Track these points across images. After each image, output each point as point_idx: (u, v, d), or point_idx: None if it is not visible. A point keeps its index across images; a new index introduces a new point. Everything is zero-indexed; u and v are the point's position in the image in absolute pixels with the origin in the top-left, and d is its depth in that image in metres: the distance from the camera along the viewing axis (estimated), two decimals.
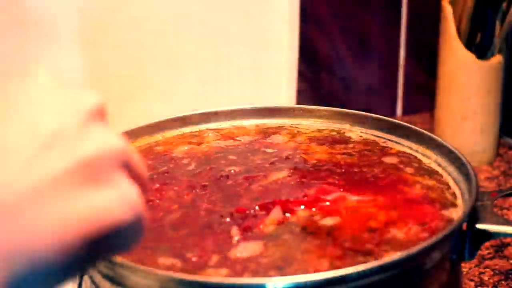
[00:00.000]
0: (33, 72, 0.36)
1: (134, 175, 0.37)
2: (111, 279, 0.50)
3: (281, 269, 0.49)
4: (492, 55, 0.96)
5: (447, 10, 0.96)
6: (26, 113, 0.34)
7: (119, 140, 0.36)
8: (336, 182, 0.61)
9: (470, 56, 0.96)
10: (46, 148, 0.33)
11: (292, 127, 0.74)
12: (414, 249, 0.48)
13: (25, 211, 0.31)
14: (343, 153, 0.68)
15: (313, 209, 0.57)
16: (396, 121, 0.69)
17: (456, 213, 0.56)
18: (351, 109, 0.72)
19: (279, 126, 0.74)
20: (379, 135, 0.70)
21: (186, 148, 0.70)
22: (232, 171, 0.64)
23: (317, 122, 0.73)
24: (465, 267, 0.76)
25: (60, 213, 0.32)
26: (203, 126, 0.74)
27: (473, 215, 0.54)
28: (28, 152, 0.32)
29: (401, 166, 0.65)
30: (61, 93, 0.35)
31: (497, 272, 0.76)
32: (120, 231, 0.34)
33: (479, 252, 0.56)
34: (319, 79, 1.12)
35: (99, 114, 0.35)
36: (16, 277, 0.31)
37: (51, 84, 0.35)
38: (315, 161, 0.66)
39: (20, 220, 0.31)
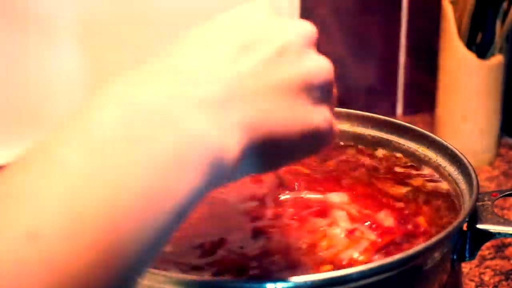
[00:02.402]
0: None
1: (333, 100, 0.42)
2: None
3: None
4: (493, 55, 0.96)
5: (448, 9, 0.96)
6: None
7: (331, 66, 0.41)
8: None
9: (470, 56, 0.95)
10: (277, 56, 0.38)
11: None
12: (414, 249, 0.48)
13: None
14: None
15: None
16: (397, 121, 0.69)
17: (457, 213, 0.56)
18: (351, 109, 0.72)
19: None
20: (379, 135, 0.69)
21: None
22: None
23: None
24: (466, 267, 0.76)
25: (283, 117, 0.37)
26: None
27: (473, 215, 0.54)
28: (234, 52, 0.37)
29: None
30: (281, 19, 0.40)
31: (497, 272, 0.76)
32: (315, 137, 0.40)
33: (480, 252, 0.56)
34: None
35: (314, 41, 0.41)
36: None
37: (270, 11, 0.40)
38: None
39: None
